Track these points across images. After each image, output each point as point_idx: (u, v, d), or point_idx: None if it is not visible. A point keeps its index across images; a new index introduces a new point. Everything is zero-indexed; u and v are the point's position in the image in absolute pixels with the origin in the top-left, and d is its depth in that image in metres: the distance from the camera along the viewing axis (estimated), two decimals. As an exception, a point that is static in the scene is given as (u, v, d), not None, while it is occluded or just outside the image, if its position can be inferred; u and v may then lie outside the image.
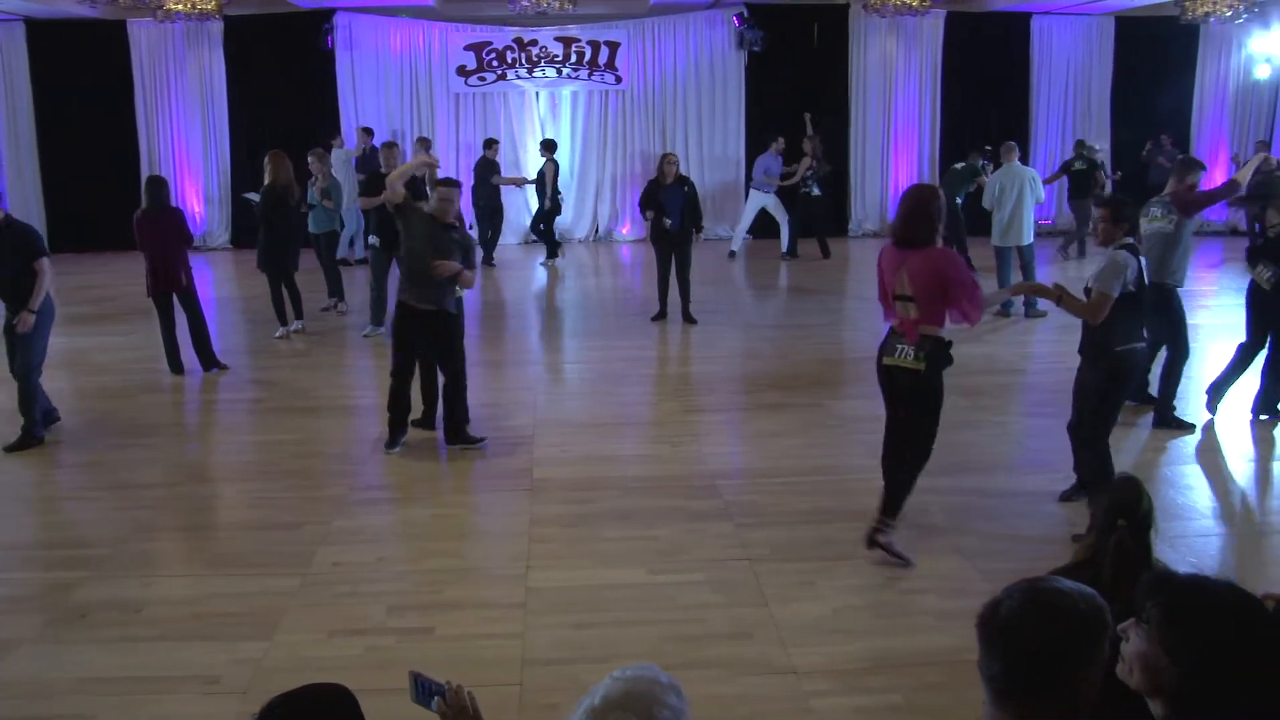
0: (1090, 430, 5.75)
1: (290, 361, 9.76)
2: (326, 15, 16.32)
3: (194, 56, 16.68)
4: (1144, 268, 5.53)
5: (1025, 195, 11.20)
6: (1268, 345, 7.49)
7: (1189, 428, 7.41)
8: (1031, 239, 11.34)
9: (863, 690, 4.12)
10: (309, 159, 11.40)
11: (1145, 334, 5.75)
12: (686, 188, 10.93)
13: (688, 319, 10.97)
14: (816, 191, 15.45)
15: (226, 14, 15.44)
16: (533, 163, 16.53)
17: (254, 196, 11.16)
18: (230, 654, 4.42)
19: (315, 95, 16.69)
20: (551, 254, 15.31)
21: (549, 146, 15.37)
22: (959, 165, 14.49)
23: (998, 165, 12.30)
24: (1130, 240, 5.56)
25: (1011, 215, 11.20)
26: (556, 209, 15.34)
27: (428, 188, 9.84)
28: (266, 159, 10.32)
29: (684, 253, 10.97)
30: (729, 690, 4.12)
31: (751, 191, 15.74)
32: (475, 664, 4.28)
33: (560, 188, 15.47)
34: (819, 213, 15.71)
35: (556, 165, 15.30)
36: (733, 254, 15.73)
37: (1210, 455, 7.04)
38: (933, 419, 5.24)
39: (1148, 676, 1.96)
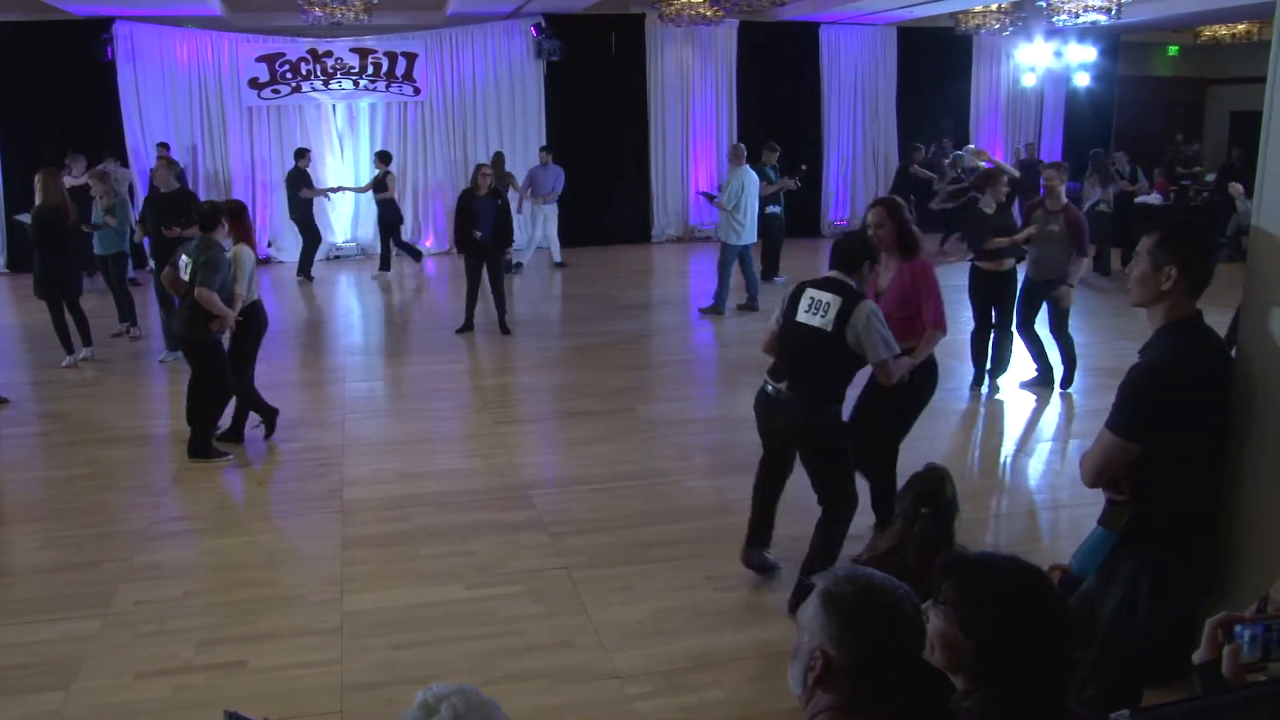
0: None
1: (80, 391, 9.23)
2: (104, 25, 15.45)
3: (-47, 67, 15.49)
4: None
5: (755, 196, 11.97)
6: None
7: None
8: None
9: (685, 689, 4.22)
10: (89, 180, 10.82)
11: None
12: (500, 201, 10.90)
13: (504, 330, 10.94)
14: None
15: (-12, 21, 14.46)
16: (332, 176, 16.32)
17: (26, 218, 10.49)
18: (24, 708, 4.16)
19: (96, 109, 15.68)
20: (385, 265, 15.29)
21: (384, 158, 15.12)
22: None
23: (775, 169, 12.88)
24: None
25: (751, 216, 11.96)
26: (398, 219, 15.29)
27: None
28: (37, 178, 9.65)
29: (495, 264, 10.93)
30: (553, 700, 4.16)
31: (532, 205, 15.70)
32: (293, 695, 4.18)
33: (374, 200, 15.18)
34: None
35: (392, 176, 15.07)
36: (520, 265, 15.45)
37: (993, 439, 7.51)
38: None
39: (947, 653, 2.07)
